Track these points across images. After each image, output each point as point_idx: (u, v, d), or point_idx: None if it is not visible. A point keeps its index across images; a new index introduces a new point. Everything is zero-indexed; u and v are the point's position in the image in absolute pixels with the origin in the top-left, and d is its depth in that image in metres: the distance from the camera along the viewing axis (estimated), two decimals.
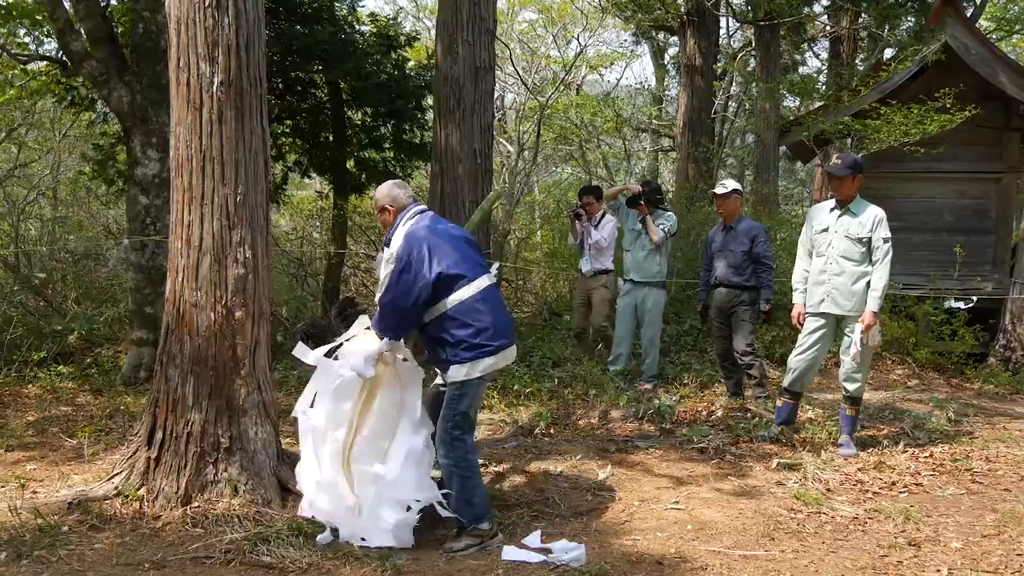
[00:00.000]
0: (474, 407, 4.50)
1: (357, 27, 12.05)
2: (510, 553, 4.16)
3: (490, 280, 4.48)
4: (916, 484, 5.53)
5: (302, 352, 4.46)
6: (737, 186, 7.59)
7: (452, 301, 4.31)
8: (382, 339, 4.37)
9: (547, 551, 4.17)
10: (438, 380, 4.64)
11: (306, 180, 15.46)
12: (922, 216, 12.00)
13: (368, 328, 4.54)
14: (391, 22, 12.42)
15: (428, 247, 4.33)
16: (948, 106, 9.97)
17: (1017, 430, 7.05)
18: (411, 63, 12.64)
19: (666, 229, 8.15)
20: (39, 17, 10.06)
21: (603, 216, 8.72)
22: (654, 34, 19.88)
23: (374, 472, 4.28)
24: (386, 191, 4.68)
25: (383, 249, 4.63)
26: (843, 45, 15.60)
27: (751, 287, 7.39)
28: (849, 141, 12.07)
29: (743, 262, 7.38)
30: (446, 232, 4.53)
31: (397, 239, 4.45)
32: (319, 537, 4.28)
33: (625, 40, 22.36)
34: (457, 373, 4.33)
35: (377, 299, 4.51)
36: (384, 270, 4.53)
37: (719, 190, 7.57)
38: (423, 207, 4.66)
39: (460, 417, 4.38)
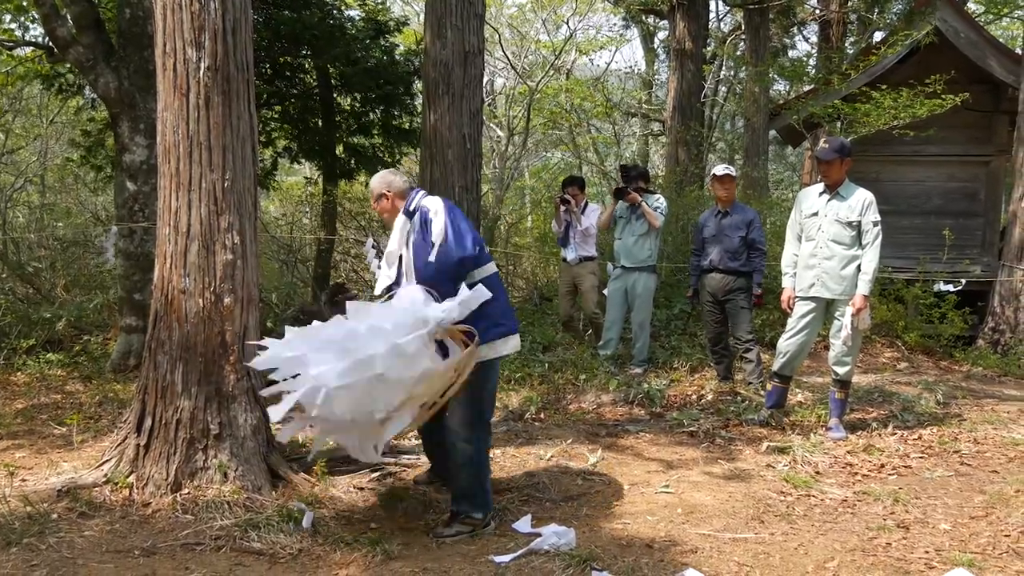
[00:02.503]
0: (495, 388, 4.55)
1: (346, 12, 12.00)
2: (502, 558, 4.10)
3: (495, 267, 4.53)
4: (905, 466, 5.56)
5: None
6: (734, 171, 7.59)
7: (481, 273, 4.32)
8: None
9: (537, 535, 4.18)
10: None
11: (295, 166, 15.43)
12: (911, 199, 12.04)
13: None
14: (380, 7, 12.38)
15: (460, 212, 4.38)
16: (938, 91, 9.98)
17: (1005, 412, 7.09)
18: (400, 48, 12.61)
19: (661, 211, 8.15)
20: (24, 3, 10.00)
21: (587, 205, 8.73)
22: (644, 18, 19.81)
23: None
24: (380, 178, 4.67)
25: (370, 235, 4.61)
26: (832, 29, 15.55)
27: (747, 272, 7.39)
28: (839, 125, 12.07)
29: (740, 247, 7.38)
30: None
31: (432, 202, 4.38)
32: (304, 521, 4.27)
33: (615, 24, 22.36)
34: (488, 351, 4.28)
35: (432, 256, 4.24)
36: (393, 242, 4.51)
37: (721, 171, 7.51)
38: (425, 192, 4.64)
39: (489, 399, 4.42)
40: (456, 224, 4.25)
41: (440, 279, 4.22)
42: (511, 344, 4.42)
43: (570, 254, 8.67)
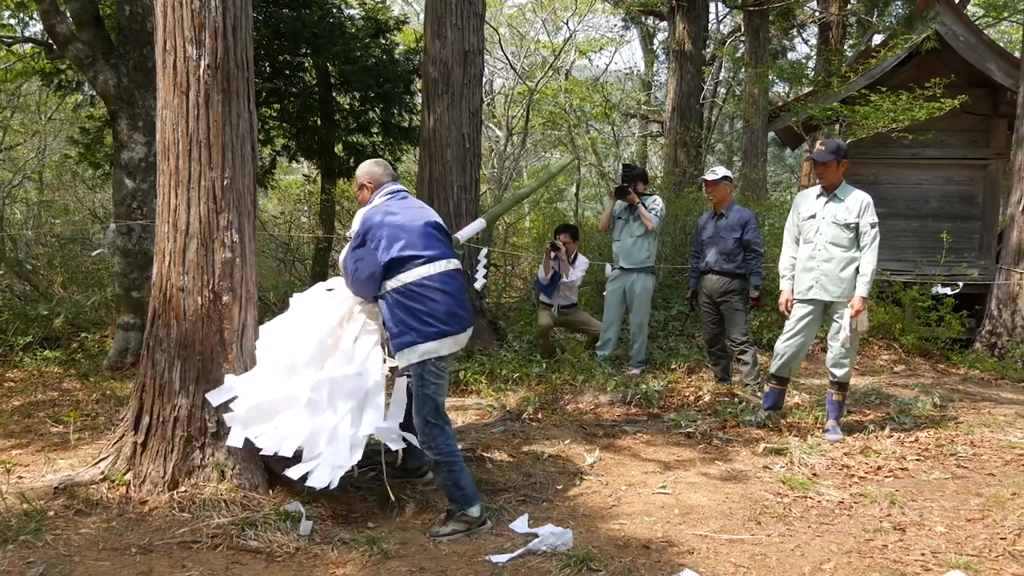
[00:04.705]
0: (438, 392, 4.44)
1: (345, 10, 12.01)
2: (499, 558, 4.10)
3: (450, 264, 4.45)
4: (901, 469, 5.56)
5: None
6: (727, 172, 7.58)
7: (401, 280, 4.33)
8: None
9: (534, 535, 4.18)
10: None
11: (294, 164, 15.42)
12: (909, 202, 12.06)
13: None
14: (379, 5, 12.38)
15: (382, 226, 4.41)
16: (937, 94, 10.00)
17: (1002, 415, 7.10)
18: (400, 47, 12.61)
19: (657, 213, 8.15)
20: None
21: (576, 256, 8.71)
22: (643, 19, 19.83)
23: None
24: (365, 169, 4.78)
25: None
26: (832, 31, 15.57)
27: (742, 274, 7.39)
28: (837, 127, 12.10)
29: (735, 249, 7.37)
30: (409, 212, 4.54)
31: (359, 215, 4.55)
32: (301, 526, 4.26)
33: (614, 25, 22.40)
34: (400, 358, 4.38)
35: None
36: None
37: (710, 176, 7.54)
38: (398, 187, 4.70)
39: (425, 402, 4.36)
40: (354, 252, 4.48)
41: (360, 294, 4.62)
42: (420, 351, 4.31)
43: (558, 303, 8.67)
